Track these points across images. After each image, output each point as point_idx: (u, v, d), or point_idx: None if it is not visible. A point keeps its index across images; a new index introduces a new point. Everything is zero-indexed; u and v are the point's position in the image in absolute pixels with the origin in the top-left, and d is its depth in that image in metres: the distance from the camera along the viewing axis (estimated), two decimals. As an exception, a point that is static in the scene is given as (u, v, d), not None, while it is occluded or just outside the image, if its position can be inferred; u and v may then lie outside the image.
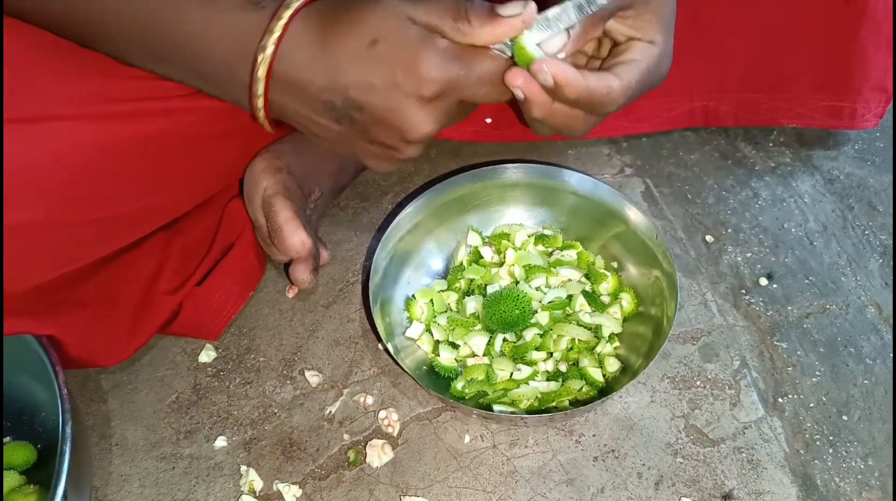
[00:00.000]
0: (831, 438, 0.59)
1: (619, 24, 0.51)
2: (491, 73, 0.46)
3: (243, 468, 0.59)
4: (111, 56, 0.50)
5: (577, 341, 0.62)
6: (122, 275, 0.61)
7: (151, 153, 0.52)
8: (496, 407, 0.58)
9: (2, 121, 0.45)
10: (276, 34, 0.45)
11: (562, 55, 0.47)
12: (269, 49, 0.46)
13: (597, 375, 0.60)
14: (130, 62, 0.50)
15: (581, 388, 0.60)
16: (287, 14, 0.46)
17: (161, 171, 0.54)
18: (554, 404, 0.60)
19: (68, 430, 0.49)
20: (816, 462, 0.58)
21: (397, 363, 0.58)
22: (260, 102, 0.48)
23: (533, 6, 0.44)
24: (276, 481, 0.58)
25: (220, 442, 0.61)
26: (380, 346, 0.66)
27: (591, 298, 0.65)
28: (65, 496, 0.47)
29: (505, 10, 0.44)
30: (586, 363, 0.61)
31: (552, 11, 0.45)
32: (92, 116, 0.49)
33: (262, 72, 0.46)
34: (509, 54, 0.46)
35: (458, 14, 0.45)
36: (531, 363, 0.61)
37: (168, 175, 0.55)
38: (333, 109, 0.46)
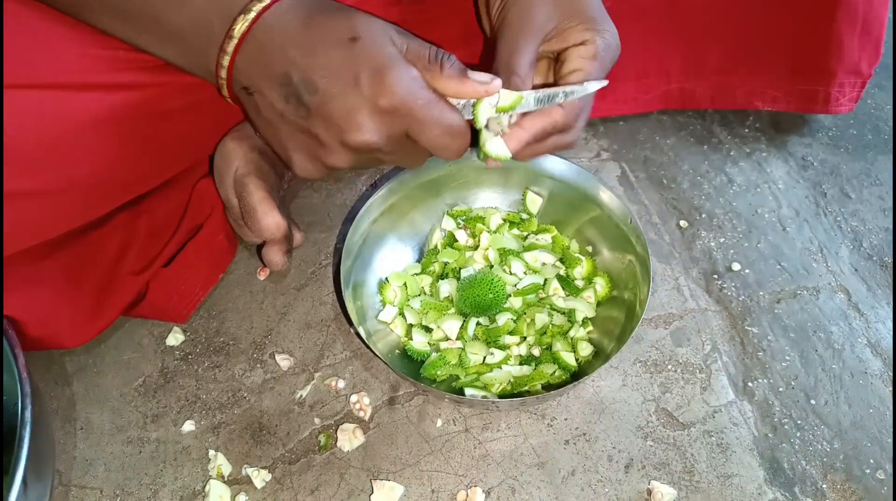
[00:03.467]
0: (799, 422, 0.60)
1: (546, 46, 0.53)
2: (447, 121, 0.46)
3: (212, 452, 0.58)
4: (76, 16, 0.49)
5: (550, 325, 0.62)
6: (85, 254, 0.59)
7: (115, 125, 0.51)
8: (468, 391, 0.58)
9: None
10: (266, 1, 0.46)
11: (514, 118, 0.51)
12: (253, 13, 0.45)
13: (570, 359, 0.60)
14: (97, 23, 0.49)
15: (554, 372, 0.60)
16: None
17: (126, 143, 0.53)
18: (526, 388, 0.59)
19: (28, 414, 0.47)
20: (784, 445, 0.58)
21: (369, 347, 0.57)
22: (226, 61, 0.47)
23: (499, 83, 0.48)
24: (245, 465, 0.58)
25: (188, 426, 0.60)
26: (351, 330, 0.65)
27: (566, 282, 0.64)
28: (24, 481, 0.46)
29: (475, 75, 0.47)
30: (559, 347, 0.61)
31: (513, 95, 0.49)
32: (54, 87, 0.48)
33: (238, 29, 0.46)
34: (468, 116, 0.48)
35: (433, 58, 0.46)
36: (504, 348, 0.61)
37: (133, 147, 0.54)
38: (288, 83, 0.46)
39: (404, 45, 0.46)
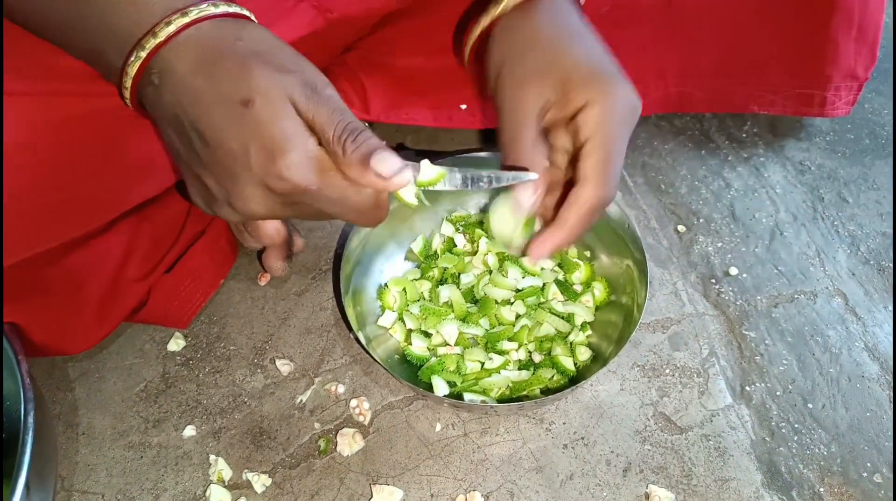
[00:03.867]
0: (796, 425, 0.60)
1: (552, 115, 0.49)
2: (350, 201, 0.42)
3: (212, 457, 0.59)
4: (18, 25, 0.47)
5: (551, 330, 0.63)
6: (88, 261, 0.60)
7: (111, 131, 0.51)
8: (467, 396, 0.59)
9: None
10: (171, 29, 0.42)
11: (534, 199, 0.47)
12: (146, 51, 0.42)
13: (568, 364, 0.60)
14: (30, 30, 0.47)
15: (552, 377, 0.60)
16: (192, 15, 0.42)
17: (123, 150, 0.53)
18: (525, 392, 0.60)
19: (30, 420, 0.48)
20: (781, 449, 0.59)
21: (368, 353, 0.57)
22: (127, 94, 0.44)
23: (407, 176, 0.41)
24: (246, 470, 0.58)
25: (189, 431, 0.60)
26: (351, 335, 0.65)
27: (564, 287, 0.65)
28: (27, 486, 0.46)
29: (379, 164, 0.40)
30: (558, 351, 0.61)
31: (435, 170, 0.44)
32: (48, 93, 0.47)
33: (132, 68, 0.42)
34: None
35: (338, 138, 0.41)
36: (503, 353, 0.61)
37: (131, 155, 0.54)
38: (182, 129, 0.43)
39: (310, 110, 0.41)
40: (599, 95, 0.47)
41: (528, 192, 0.48)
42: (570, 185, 0.49)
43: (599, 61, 0.49)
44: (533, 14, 0.51)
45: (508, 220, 0.50)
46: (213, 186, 0.43)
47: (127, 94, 0.44)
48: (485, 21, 0.53)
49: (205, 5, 0.43)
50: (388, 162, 0.41)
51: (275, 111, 0.40)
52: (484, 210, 0.70)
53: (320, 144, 0.42)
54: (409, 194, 0.44)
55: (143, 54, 0.42)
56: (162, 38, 0.41)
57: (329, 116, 0.41)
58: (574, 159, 0.49)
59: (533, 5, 0.51)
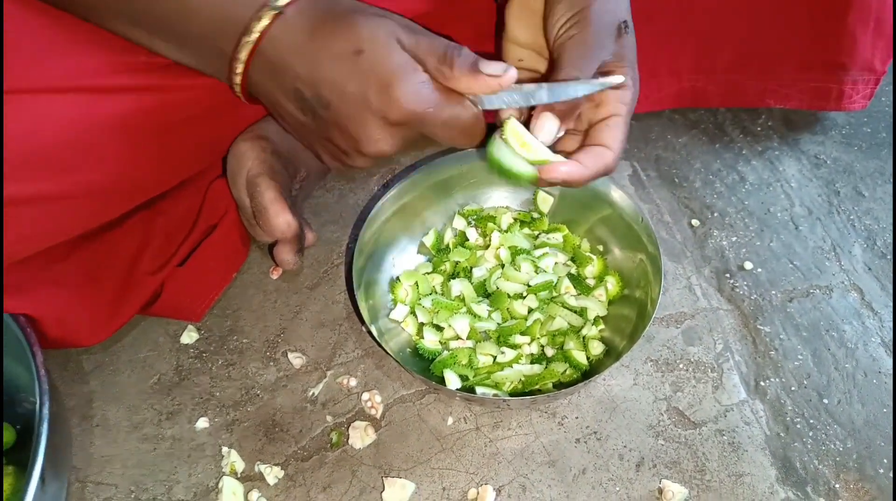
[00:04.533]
0: (811, 421, 0.59)
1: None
2: (460, 119, 0.47)
3: (225, 449, 0.59)
4: (93, 21, 0.49)
5: (563, 324, 0.62)
6: (102, 254, 0.60)
7: (132, 128, 0.52)
8: (479, 390, 0.58)
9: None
10: (265, 21, 0.45)
11: (561, 133, 0.50)
12: (256, 33, 0.46)
13: (581, 358, 0.60)
14: (113, 28, 0.49)
15: (565, 371, 0.60)
16: (283, 2, 0.46)
17: (142, 146, 0.53)
18: (537, 386, 0.60)
19: (45, 411, 0.48)
20: (796, 444, 0.58)
21: (380, 346, 0.57)
22: (238, 79, 0.48)
23: (513, 73, 0.46)
24: (258, 462, 0.58)
25: (203, 424, 0.61)
26: (363, 328, 0.65)
27: (577, 281, 0.65)
28: (42, 477, 0.47)
29: (487, 67, 0.45)
30: (571, 345, 0.61)
31: (528, 87, 0.47)
32: (72, 90, 0.48)
33: (244, 53, 0.46)
34: (487, 106, 0.48)
35: (443, 57, 0.45)
36: (515, 347, 0.61)
37: (150, 151, 0.54)
38: (302, 99, 0.47)
39: (413, 43, 0.46)
40: (633, 83, 0.51)
41: (553, 121, 0.49)
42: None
43: (635, 53, 0.52)
44: None
45: (514, 156, 0.49)
46: (341, 141, 0.48)
47: (237, 79, 0.48)
48: None
49: None
50: (494, 64, 0.45)
51: (383, 51, 0.45)
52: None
53: (426, 72, 0.46)
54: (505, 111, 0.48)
55: (255, 37, 0.46)
56: (267, 21, 0.45)
57: (430, 43, 0.46)
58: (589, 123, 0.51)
59: None
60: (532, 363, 0.61)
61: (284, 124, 0.52)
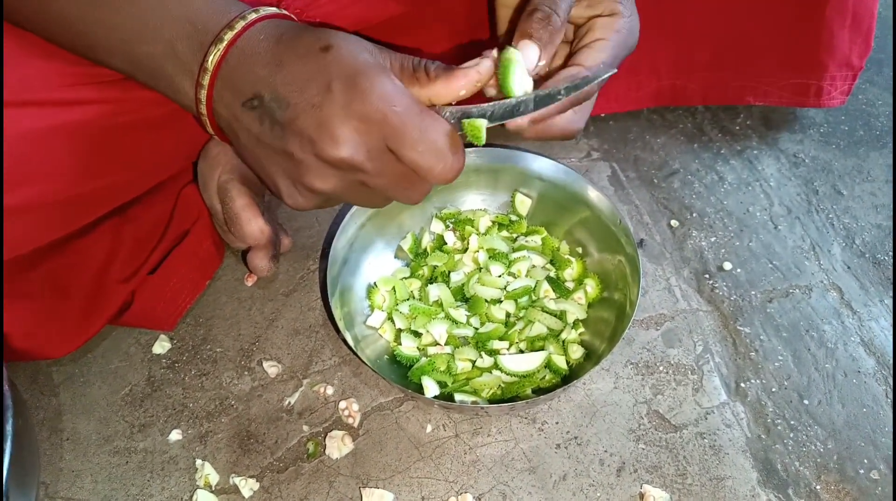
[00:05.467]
0: (792, 422, 0.59)
1: (575, 9, 0.50)
2: (428, 131, 0.42)
3: (199, 461, 0.58)
4: (52, 42, 0.48)
5: (543, 330, 0.62)
6: (71, 263, 0.58)
7: (96, 137, 0.50)
8: (458, 397, 0.58)
9: None
10: (236, 30, 0.44)
11: (542, 63, 0.47)
12: (225, 41, 0.44)
13: (561, 362, 0.59)
14: (72, 50, 0.48)
15: (544, 376, 0.59)
16: (252, 17, 0.45)
17: (107, 154, 0.52)
18: (517, 392, 0.59)
19: (9, 428, 0.47)
20: (777, 446, 0.58)
21: (356, 355, 0.56)
22: (203, 94, 0.46)
23: (489, 64, 0.44)
24: (233, 475, 0.57)
25: (175, 436, 0.59)
26: (340, 336, 0.64)
27: (556, 284, 0.64)
28: (6, 494, 0.45)
29: (463, 68, 0.44)
30: (551, 350, 0.60)
31: (509, 101, 0.45)
32: (33, 102, 0.47)
33: (212, 61, 0.44)
34: (461, 130, 0.45)
35: (417, 64, 0.44)
36: (493, 353, 0.60)
37: (115, 158, 0.53)
38: (260, 104, 0.43)
39: (385, 57, 0.44)
40: (625, 10, 0.50)
41: (533, 50, 0.46)
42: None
43: None
44: None
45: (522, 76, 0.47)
46: (298, 149, 0.43)
47: (203, 93, 0.45)
48: None
49: (265, 7, 0.46)
50: (467, 65, 0.44)
51: (352, 48, 0.43)
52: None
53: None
54: (482, 125, 0.44)
55: (223, 45, 0.44)
56: (238, 30, 0.44)
57: (401, 56, 0.44)
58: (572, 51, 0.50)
59: None
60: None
61: (242, 152, 0.48)
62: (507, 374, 0.58)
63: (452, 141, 0.44)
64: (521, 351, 0.61)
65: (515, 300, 0.63)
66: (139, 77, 0.48)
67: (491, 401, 0.58)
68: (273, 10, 0.47)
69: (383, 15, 0.63)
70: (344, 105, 0.41)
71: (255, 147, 0.46)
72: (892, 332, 0.64)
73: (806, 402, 0.60)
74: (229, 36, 0.44)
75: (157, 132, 0.55)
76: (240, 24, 0.44)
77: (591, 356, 0.60)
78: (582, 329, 0.62)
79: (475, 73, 0.44)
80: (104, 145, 0.51)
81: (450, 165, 0.44)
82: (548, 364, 0.59)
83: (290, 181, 0.46)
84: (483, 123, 0.44)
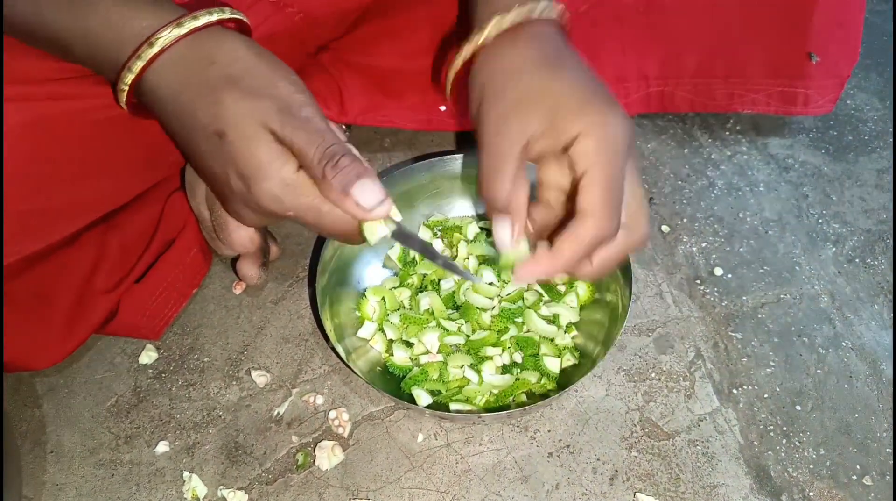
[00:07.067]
0: (785, 428, 0.59)
1: (540, 146, 0.45)
2: (322, 225, 0.45)
3: (186, 474, 0.57)
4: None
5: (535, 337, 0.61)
6: (55, 273, 0.57)
7: (76, 137, 0.50)
8: (453, 406, 0.57)
9: None
10: (154, 51, 0.44)
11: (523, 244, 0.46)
12: (132, 74, 0.44)
13: (553, 366, 0.59)
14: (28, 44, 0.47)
15: (537, 380, 0.59)
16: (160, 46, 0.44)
17: (88, 156, 0.51)
18: (511, 398, 0.58)
19: (-11, 442, 0.46)
20: (770, 452, 0.57)
21: (348, 366, 0.56)
22: (123, 97, 0.46)
23: (387, 208, 0.43)
24: (221, 487, 0.56)
25: (162, 447, 0.58)
26: (330, 345, 0.63)
27: (547, 288, 0.63)
28: (-13, 512, 0.44)
29: (361, 194, 0.42)
30: (544, 350, 0.59)
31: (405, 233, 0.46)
32: (9, 98, 0.46)
33: (126, 81, 0.45)
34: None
35: (320, 160, 0.42)
36: (486, 359, 0.60)
37: (96, 162, 0.52)
38: (176, 142, 0.47)
39: (289, 133, 0.42)
40: (593, 124, 0.43)
41: (506, 230, 0.45)
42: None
43: (590, 89, 0.44)
44: (517, 42, 0.47)
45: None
46: (227, 187, 0.46)
47: (124, 107, 0.47)
48: (467, 51, 0.49)
49: (186, 18, 0.44)
50: (368, 193, 0.42)
51: (247, 141, 0.42)
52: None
53: (300, 167, 0.43)
54: (378, 232, 0.45)
55: (131, 77, 0.44)
56: (145, 62, 0.44)
57: (307, 139, 0.42)
58: (572, 194, 0.44)
59: (517, 33, 0.47)
60: (503, 372, 0.60)
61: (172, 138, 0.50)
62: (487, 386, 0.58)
63: (345, 228, 0.45)
64: (512, 354, 0.61)
65: (506, 306, 0.62)
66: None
67: (485, 408, 0.58)
68: (183, 23, 0.44)
69: (360, 2, 0.62)
70: (241, 199, 0.45)
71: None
72: (885, 336, 0.63)
73: (798, 408, 0.60)
74: (137, 66, 0.44)
75: (140, 132, 0.53)
76: (147, 55, 0.43)
77: (585, 360, 0.60)
78: (575, 333, 0.62)
79: (362, 214, 0.43)
80: (88, 145, 0.50)
81: (348, 241, 0.47)
82: (540, 369, 0.59)
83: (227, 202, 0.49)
84: (382, 229, 0.45)
